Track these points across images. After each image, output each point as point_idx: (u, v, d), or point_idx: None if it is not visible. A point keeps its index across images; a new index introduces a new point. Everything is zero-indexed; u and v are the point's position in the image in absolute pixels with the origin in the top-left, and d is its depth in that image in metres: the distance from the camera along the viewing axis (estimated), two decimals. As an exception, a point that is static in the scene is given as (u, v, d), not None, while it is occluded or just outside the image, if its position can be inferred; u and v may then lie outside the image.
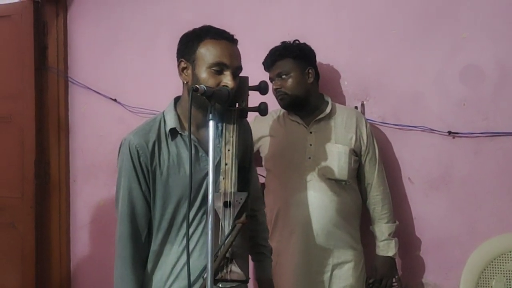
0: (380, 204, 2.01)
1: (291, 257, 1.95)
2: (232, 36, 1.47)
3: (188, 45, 1.45)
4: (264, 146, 2.09)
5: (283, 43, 2.06)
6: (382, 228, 2.01)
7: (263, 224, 1.74)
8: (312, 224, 1.93)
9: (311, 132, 2.00)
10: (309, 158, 1.96)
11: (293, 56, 1.98)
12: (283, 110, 2.09)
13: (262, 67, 2.08)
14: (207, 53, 1.41)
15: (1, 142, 2.85)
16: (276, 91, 2.00)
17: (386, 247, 2.00)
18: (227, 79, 1.40)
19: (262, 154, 2.11)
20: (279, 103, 2.02)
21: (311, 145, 1.98)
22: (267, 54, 2.04)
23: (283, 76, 1.98)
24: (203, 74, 1.41)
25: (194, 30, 1.48)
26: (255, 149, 2.06)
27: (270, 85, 2.02)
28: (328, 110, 2.01)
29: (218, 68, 1.40)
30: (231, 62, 1.41)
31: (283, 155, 2.01)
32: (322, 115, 2.00)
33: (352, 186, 2.00)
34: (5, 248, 2.85)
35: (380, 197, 2.01)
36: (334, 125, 2.00)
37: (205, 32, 1.44)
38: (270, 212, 2.03)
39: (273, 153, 2.05)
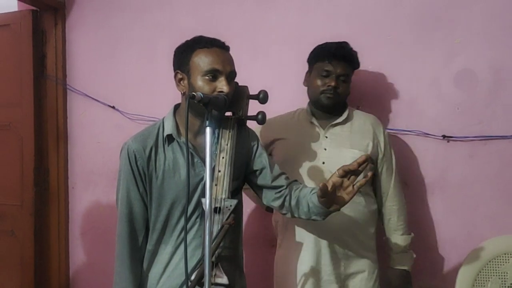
0: (396, 215, 1.94)
1: (300, 266, 1.87)
2: (223, 43, 1.52)
3: (182, 56, 1.51)
4: (277, 149, 1.98)
5: (343, 43, 1.95)
6: (398, 240, 1.93)
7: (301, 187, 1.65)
8: (323, 232, 1.84)
9: (326, 137, 1.92)
10: (323, 162, 1.87)
11: (353, 65, 1.95)
12: (300, 112, 2.02)
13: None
14: (200, 61, 1.46)
15: (0, 150, 2.87)
16: (327, 87, 1.89)
17: (402, 260, 1.93)
18: (221, 84, 1.45)
19: (275, 157, 1.95)
20: (321, 98, 1.91)
21: (325, 149, 1.90)
22: (335, 44, 1.93)
23: (342, 78, 1.90)
24: (199, 82, 1.46)
25: (187, 42, 1.53)
26: (268, 151, 1.95)
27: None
28: (345, 115, 1.95)
29: (212, 75, 1.45)
30: (223, 68, 1.46)
31: (296, 159, 1.91)
32: (339, 120, 1.93)
33: (366, 192, 1.91)
34: (5, 256, 2.86)
35: (396, 208, 1.95)
36: (351, 131, 1.93)
37: (197, 42, 1.50)
38: (281, 218, 1.97)
39: (286, 157, 1.93)
